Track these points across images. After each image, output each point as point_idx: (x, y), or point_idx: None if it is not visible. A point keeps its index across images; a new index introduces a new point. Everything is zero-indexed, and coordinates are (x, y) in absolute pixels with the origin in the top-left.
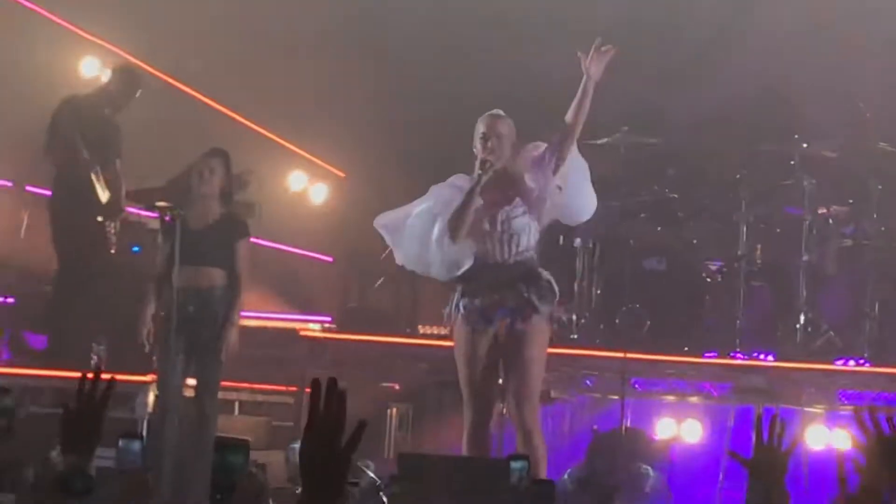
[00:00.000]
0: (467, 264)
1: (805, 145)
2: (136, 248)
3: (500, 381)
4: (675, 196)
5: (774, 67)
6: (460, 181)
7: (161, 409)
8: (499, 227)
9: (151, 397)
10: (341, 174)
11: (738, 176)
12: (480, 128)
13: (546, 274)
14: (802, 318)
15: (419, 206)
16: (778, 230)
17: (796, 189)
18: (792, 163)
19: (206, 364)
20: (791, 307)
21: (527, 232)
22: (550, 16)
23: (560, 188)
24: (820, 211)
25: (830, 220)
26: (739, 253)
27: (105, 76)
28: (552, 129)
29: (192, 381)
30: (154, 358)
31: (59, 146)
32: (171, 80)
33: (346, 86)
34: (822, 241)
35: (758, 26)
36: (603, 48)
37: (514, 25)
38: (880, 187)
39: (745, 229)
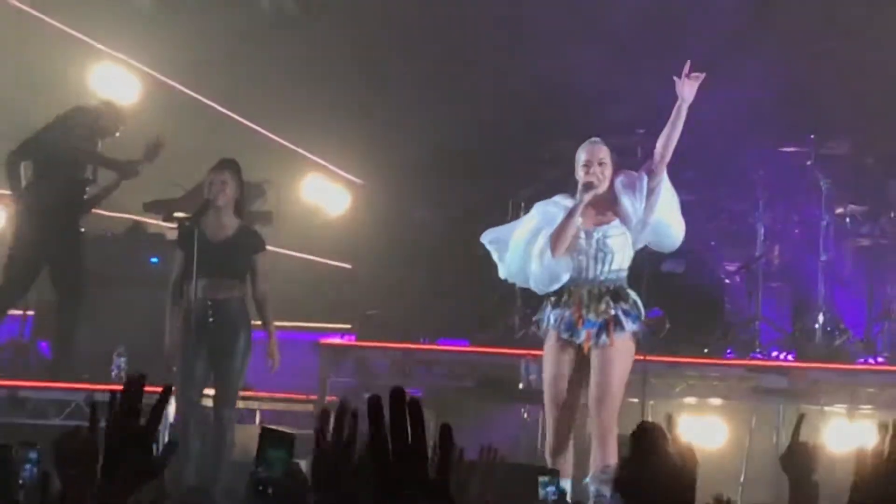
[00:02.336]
0: (565, 278)
1: (820, 146)
2: (154, 260)
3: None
4: (693, 198)
5: (791, 68)
6: (564, 200)
7: (182, 420)
8: (594, 245)
9: (173, 407)
10: (359, 182)
11: (754, 177)
12: (582, 155)
13: (633, 294)
14: (821, 317)
15: (525, 223)
16: (795, 230)
17: (813, 189)
18: (808, 163)
19: (226, 374)
20: (810, 307)
21: (621, 252)
22: (564, 17)
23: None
24: (837, 211)
25: (847, 220)
26: (757, 254)
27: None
28: (570, 125)
29: (210, 391)
30: (174, 369)
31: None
32: (188, 91)
33: (362, 94)
34: (840, 241)
35: (775, 26)
36: (694, 74)
37: (529, 27)
38: None
39: (762, 230)
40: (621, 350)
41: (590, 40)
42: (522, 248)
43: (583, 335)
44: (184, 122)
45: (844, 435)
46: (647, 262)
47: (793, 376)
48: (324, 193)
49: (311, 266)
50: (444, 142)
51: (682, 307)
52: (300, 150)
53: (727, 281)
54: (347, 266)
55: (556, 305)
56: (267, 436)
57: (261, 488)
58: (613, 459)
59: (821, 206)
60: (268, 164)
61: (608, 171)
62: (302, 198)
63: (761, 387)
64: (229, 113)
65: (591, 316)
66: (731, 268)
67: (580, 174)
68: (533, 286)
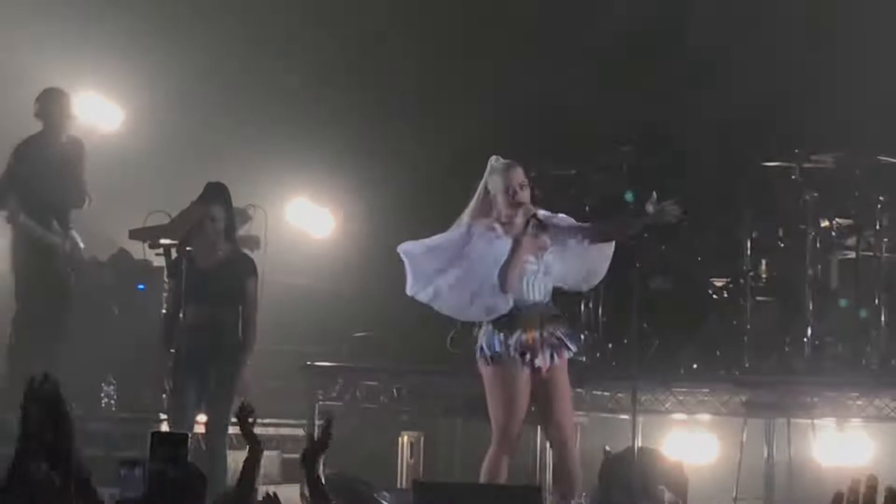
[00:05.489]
0: (505, 308)
1: (804, 159)
2: (140, 287)
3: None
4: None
5: (774, 81)
6: (490, 231)
7: None
8: (541, 269)
9: None
10: (345, 205)
11: (740, 192)
12: (501, 181)
13: (558, 310)
14: (809, 331)
15: (456, 268)
16: (781, 245)
17: (799, 203)
18: (793, 177)
19: (217, 401)
20: (798, 321)
21: (551, 275)
22: (546, 36)
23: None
24: (823, 224)
25: (833, 233)
26: (745, 269)
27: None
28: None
29: (202, 418)
30: (164, 396)
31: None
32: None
33: (347, 117)
34: (826, 254)
35: (759, 41)
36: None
37: (512, 47)
38: (882, 198)
39: (749, 245)
40: (565, 366)
41: (572, 58)
42: (460, 290)
43: (540, 358)
44: (170, 148)
45: (834, 448)
46: (635, 280)
47: (782, 390)
48: (309, 217)
49: (299, 289)
50: (427, 164)
51: (671, 323)
52: (286, 174)
53: (715, 296)
54: (335, 289)
55: (507, 328)
56: (156, 436)
57: (154, 491)
58: (577, 467)
59: (806, 220)
60: (253, 188)
61: (528, 193)
62: (287, 222)
63: (751, 401)
64: (214, 137)
65: (545, 337)
66: (719, 283)
67: (502, 200)
68: (473, 317)
